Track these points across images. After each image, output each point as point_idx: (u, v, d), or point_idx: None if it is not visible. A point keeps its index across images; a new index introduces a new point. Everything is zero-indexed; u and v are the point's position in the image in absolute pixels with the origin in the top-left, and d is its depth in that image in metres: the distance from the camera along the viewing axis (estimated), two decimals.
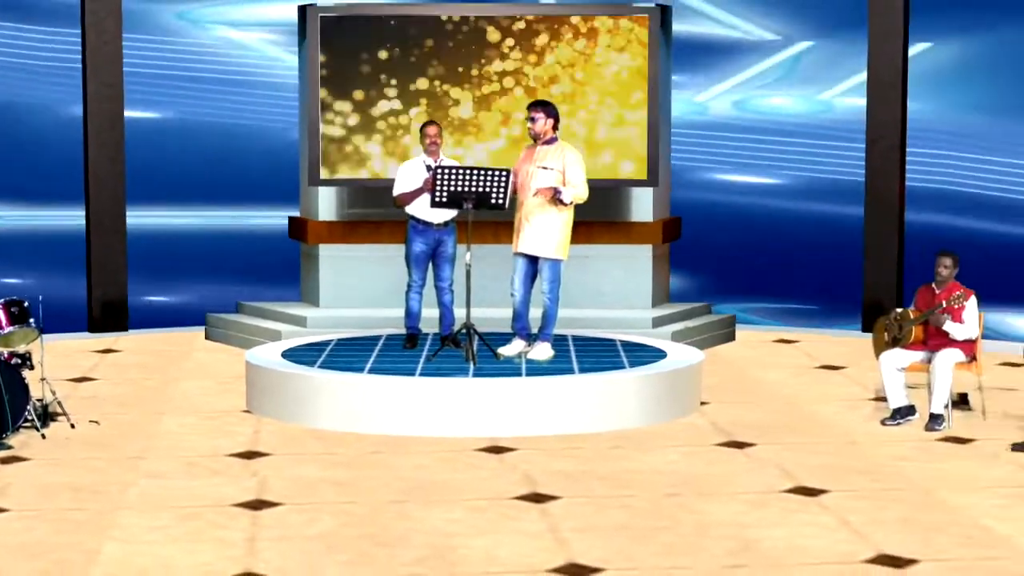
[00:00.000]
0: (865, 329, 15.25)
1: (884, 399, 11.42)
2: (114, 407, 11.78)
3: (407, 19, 14.19)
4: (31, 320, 10.80)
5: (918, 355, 11.05)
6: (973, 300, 10.86)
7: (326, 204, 14.64)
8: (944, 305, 10.78)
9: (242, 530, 8.31)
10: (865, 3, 15.20)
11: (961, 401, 11.54)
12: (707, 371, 12.36)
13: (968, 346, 10.93)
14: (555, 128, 11.51)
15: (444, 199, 11.54)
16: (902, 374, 11.04)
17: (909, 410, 11.05)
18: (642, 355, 11.94)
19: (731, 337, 15.16)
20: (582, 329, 13.33)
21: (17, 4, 15.29)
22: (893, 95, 15.23)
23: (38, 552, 7.91)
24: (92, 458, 10.07)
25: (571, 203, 11.40)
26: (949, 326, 10.82)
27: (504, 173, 11.44)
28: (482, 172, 11.45)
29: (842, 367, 13.65)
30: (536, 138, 11.52)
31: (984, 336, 11.27)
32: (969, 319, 10.84)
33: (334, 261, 14.58)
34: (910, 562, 7.67)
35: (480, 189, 11.42)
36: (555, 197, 11.30)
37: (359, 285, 14.45)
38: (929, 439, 10.63)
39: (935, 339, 10.99)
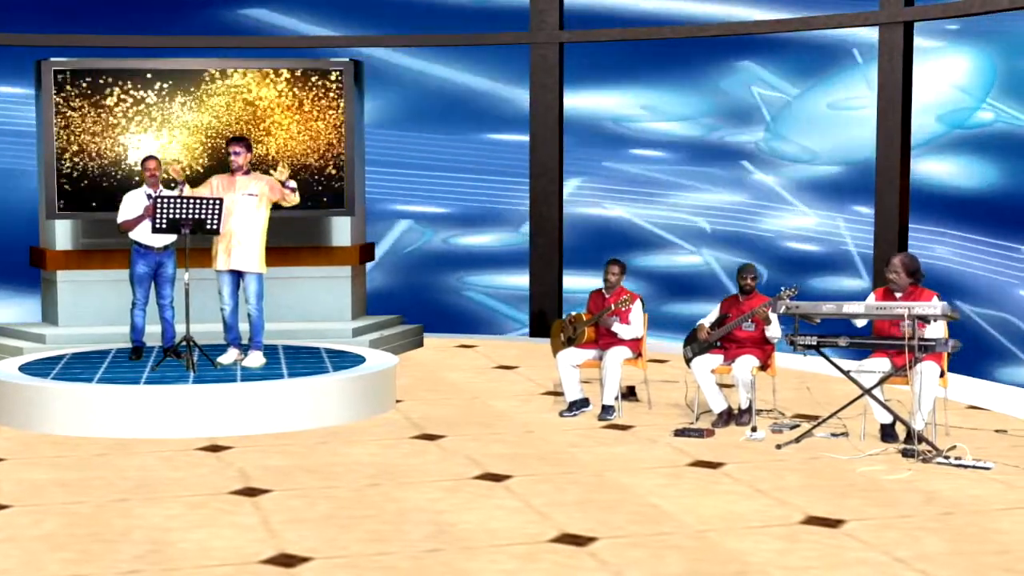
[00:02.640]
0: (532, 334, 15.04)
1: (557, 393, 11.09)
2: None
3: (131, 72, 13.38)
4: None
5: (590, 353, 10.64)
6: (638, 303, 10.51)
7: (62, 235, 13.59)
8: (613, 308, 10.43)
9: None
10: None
11: (629, 393, 11.15)
12: (401, 373, 11.99)
13: (635, 344, 10.55)
14: (250, 160, 11.04)
15: (164, 225, 10.76)
16: (577, 370, 10.60)
17: (584, 403, 10.61)
18: (344, 361, 11.35)
19: (420, 344, 14.63)
20: (291, 340, 12.83)
21: None
22: (551, 138, 14.92)
23: None
24: None
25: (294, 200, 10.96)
26: (617, 327, 10.46)
27: (217, 202, 10.69)
28: (197, 201, 10.68)
29: (515, 367, 13.16)
30: (237, 170, 10.91)
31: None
32: (635, 320, 10.49)
33: (71, 285, 13.58)
34: (590, 539, 7.14)
35: (196, 216, 10.66)
36: (285, 186, 10.81)
37: (92, 305, 13.51)
38: (599, 427, 10.17)
39: (605, 338, 10.59)
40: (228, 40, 14.95)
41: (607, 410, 10.39)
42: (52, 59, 13.33)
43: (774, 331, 10.00)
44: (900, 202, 12.97)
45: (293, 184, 10.83)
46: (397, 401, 11.18)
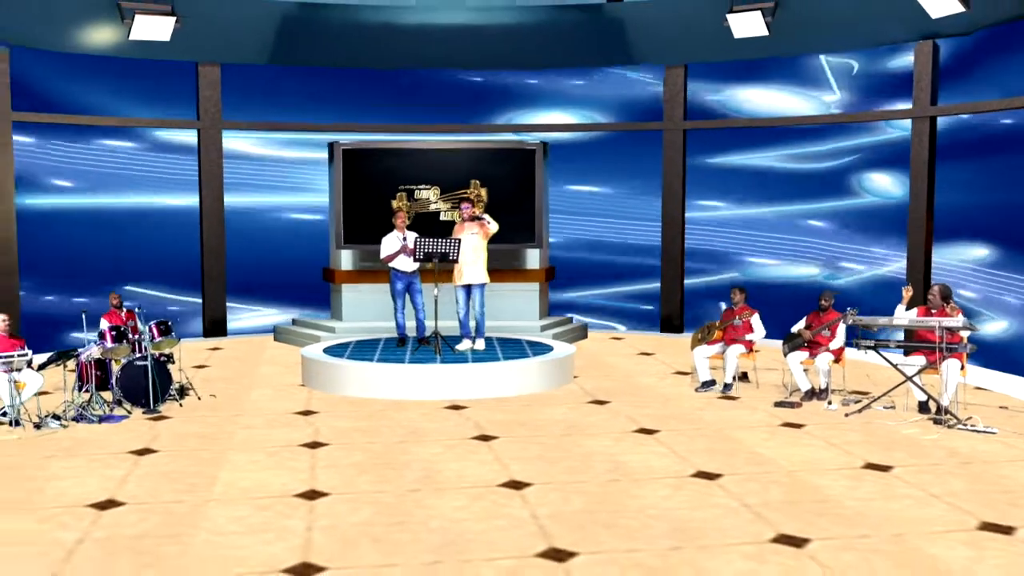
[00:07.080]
0: (663, 331, 15.03)
1: (684, 373, 11.17)
2: (222, 384, 11.09)
3: (394, 150, 13.87)
4: (172, 332, 10.14)
5: (717, 348, 10.69)
6: (756, 315, 10.55)
7: (346, 260, 14.07)
8: (737, 320, 10.47)
9: (306, 461, 7.81)
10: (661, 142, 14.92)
11: (743, 377, 11.12)
12: (576, 357, 12.02)
13: (749, 343, 10.56)
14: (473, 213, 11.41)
15: (420, 257, 11.15)
16: (707, 360, 10.66)
17: (711, 383, 10.65)
18: (538, 348, 11.60)
19: (585, 336, 14.75)
20: (502, 334, 13.05)
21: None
22: (677, 193, 14.95)
23: (177, 478, 7.36)
24: (209, 417, 9.46)
25: (494, 230, 11.24)
26: (750, 336, 10.53)
27: (457, 240, 11.08)
28: (443, 240, 11.06)
29: (652, 353, 13.23)
30: (466, 219, 11.28)
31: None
32: (757, 327, 10.52)
33: (351, 294, 14.02)
34: (718, 475, 7.35)
35: (442, 251, 11.03)
36: (485, 225, 11.19)
37: (366, 308, 13.91)
38: (718, 397, 10.26)
39: (728, 337, 10.63)
40: (459, 127, 15.26)
41: (727, 387, 10.43)
42: (340, 140, 13.91)
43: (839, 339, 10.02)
44: (926, 242, 12.87)
45: (487, 217, 11.15)
46: (574, 377, 11.35)
